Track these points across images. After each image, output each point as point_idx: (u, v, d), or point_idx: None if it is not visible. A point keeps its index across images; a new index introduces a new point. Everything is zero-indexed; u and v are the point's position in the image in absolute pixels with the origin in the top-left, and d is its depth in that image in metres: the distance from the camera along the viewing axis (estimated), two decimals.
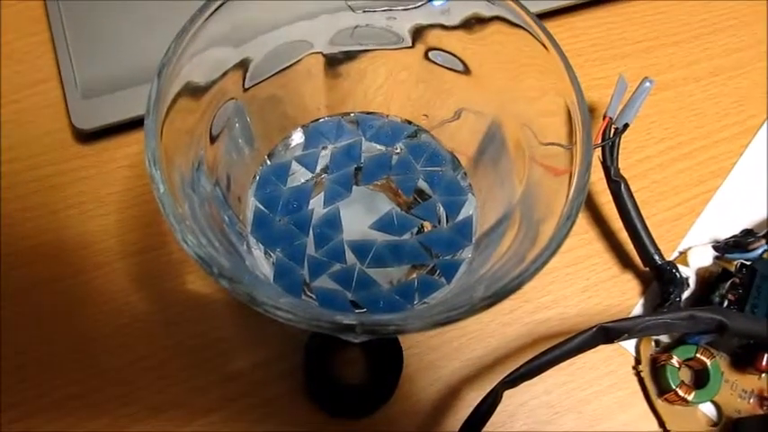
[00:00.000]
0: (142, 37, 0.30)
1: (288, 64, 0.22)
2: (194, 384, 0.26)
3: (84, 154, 0.29)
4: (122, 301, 0.26)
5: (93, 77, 0.29)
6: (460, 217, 0.23)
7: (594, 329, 0.23)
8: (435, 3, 0.22)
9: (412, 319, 0.16)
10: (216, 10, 0.18)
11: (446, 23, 0.21)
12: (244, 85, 0.21)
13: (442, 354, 0.27)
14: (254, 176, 0.23)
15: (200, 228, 0.17)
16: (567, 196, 0.18)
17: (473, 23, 0.21)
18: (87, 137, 0.29)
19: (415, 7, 0.22)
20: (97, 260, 0.27)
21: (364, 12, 0.22)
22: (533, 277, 0.17)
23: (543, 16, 0.34)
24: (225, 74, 0.20)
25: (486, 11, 0.20)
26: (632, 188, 0.28)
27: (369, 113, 0.25)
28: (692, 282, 0.28)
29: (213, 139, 0.20)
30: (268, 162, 0.24)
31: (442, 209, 0.24)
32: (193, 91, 0.18)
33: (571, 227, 0.17)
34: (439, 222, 0.24)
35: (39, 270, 0.27)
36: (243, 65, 0.20)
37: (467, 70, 0.22)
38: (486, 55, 0.21)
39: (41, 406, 0.25)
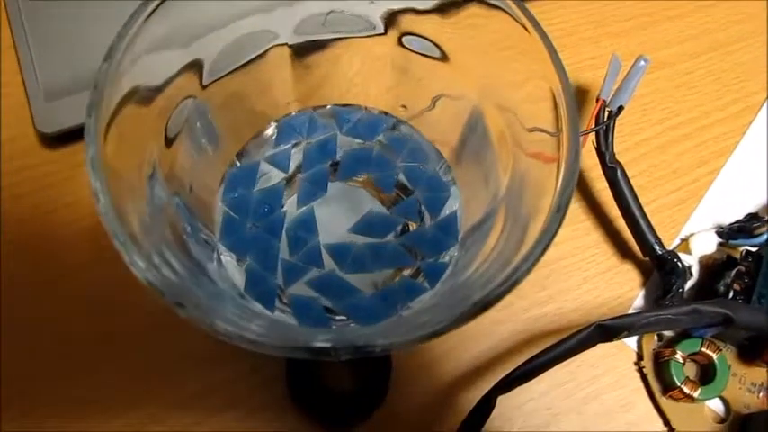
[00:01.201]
0: (106, 36, 0.28)
1: (250, 57, 0.20)
2: (177, 396, 0.24)
3: (51, 159, 0.28)
4: (97, 311, 0.25)
5: (57, 79, 0.27)
6: (445, 213, 0.22)
7: (592, 328, 0.22)
8: None
9: (396, 336, 0.14)
10: (158, 6, 0.16)
11: (419, 7, 0.20)
12: (201, 82, 0.19)
13: (434, 355, 0.26)
14: (223, 178, 0.22)
15: (154, 245, 0.15)
16: (556, 188, 0.16)
17: (448, 6, 0.19)
18: (53, 141, 0.28)
19: None
20: (70, 268, 0.26)
21: None
22: (525, 278, 0.15)
23: None
24: (178, 73, 0.18)
25: None
26: (630, 173, 0.27)
27: (345, 106, 0.23)
28: (695, 270, 0.27)
29: (170, 142, 0.18)
30: (237, 163, 0.22)
31: (422, 205, 0.22)
32: (142, 94, 0.17)
33: (561, 221, 0.16)
34: (422, 220, 0.22)
35: (10, 280, 0.25)
36: (197, 62, 0.19)
37: (444, 57, 0.20)
38: (463, 39, 0.20)
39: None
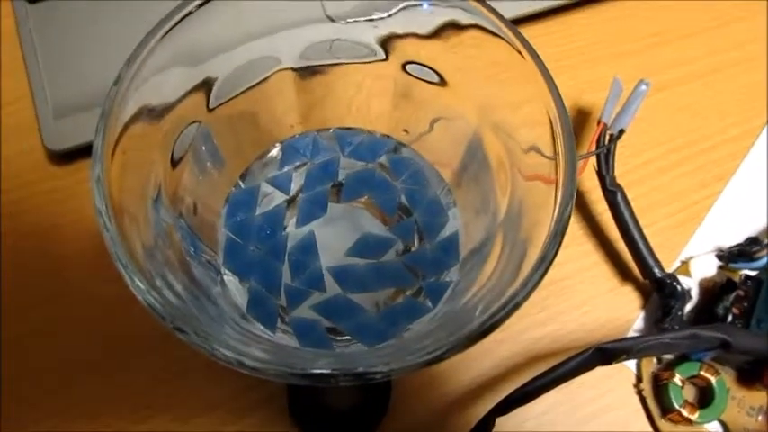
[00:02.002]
0: (115, 54, 0.28)
1: (256, 81, 0.20)
2: (178, 412, 0.25)
3: (58, 175, 0.28)
4: (97, 328, 0.25)
5: (66, 96, 0.28)
6: (445, 235, 0.22)
7: (591, 351, 0.22)
8: (421, 8, 0.21)
9: (395, 363, 0.15)
10: (169, 31, 0.17)
11: (418, 32, 0.20)
12: (208, 105, 0.19)
13: (434, 375, 0.26)
14: (227, 199, 0.22)
15: (157, 267, 0.16)
16: (553, 213, 0.16)
17: (446, 31, 0.19)
18: (61, 157, 0.28)
19: (400, 9, 0.21)
20: (72, 285, 0.26)
21: (346, 22, 0.21)
22: (523, 303, 0.16)
23: (534, 17, 0.32)
24: (185, 96, 0.18)
25: (461, 18, 0.19)
26: (631, 195, 0.27)
27: (347, 129, 0.24)
28: (694, 293, 0.27)
29: (175, 164, 0.19)
30: (241, 184, 0.22)
31: (419, 228, 0.22)
32: (148, 116, 0.17)
33: (558, 247, 0.16)
34: (421, 241, 0.23)
35: (11, 298, 0.26)
36: (205, 85, 0.19)
37: (443, 81, 0.21)
38: (461, 64, 0.20)
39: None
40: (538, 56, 0.18)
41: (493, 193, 0.20)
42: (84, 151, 0.28)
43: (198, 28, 0.18)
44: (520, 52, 0.18)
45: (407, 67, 0.21)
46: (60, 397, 0.24)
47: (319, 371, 0.14)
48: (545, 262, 0.15)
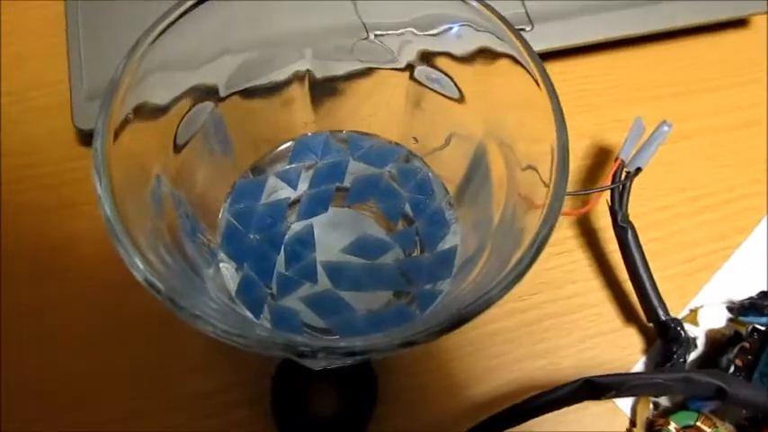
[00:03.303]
0: None
1: (272, 78, 0.21)
2: (162, 399, 0.25)
3: (84, 155, 0.29)
4: (94, 311, 0.26)
5: (100, 82, 0.29)
6: (444, 247, 0.22)
7: (580, 382, 0.22)
8: (452, 31, 0.21)
9: (374, 339, 0.15)
10: (185, 12, 0.17)
11: (446, 50, 0.20)
12: (219, 93, 0.20)
13: (420, 395, 0.25)
14: (232, 186, 0.22)
15: (152, 242, 0.16)
16: (535, 229, 0.16)
17: (474, 54, 0.20)
18: (89, 137, 0.29)
19: (432, 35, 0.21)
20: (79, 263, 0.27)
21: (375, 36, 0.22)
22: (495, 302, 0.16)
23: (570, 52, 0.32)
24: (196, 85, 0.19)
25: (488, 43, 0.19)
26: (648, 237, 0.26)
27: (360, 133, 0.24)
28: (700, 342, 0.26)
29: (182, 145, 0.19)
30: (250, 175, 0.23)
31: (420, 238, 0.22)
32: (158, 103, 0.18)
33: (535, 257, 0.16)
34: (422, 251, 0.23)
35: (22, 267, 0.27)
36: (216, 75, 0.19)
37: (461, 98, 0.21)
38: (481, 86, 0.20)
39: None
40: (554, 90, 0.17)
41: (490, 209, 0.20)
42: None
43: (221, 13, 0.18)
44: (537, 83, 0.18)
45: (427, 75, 0.21)
46: (52, 381, 0.25)
47: (302, 343, 0.14)
48: (521, 266, 0.15)
